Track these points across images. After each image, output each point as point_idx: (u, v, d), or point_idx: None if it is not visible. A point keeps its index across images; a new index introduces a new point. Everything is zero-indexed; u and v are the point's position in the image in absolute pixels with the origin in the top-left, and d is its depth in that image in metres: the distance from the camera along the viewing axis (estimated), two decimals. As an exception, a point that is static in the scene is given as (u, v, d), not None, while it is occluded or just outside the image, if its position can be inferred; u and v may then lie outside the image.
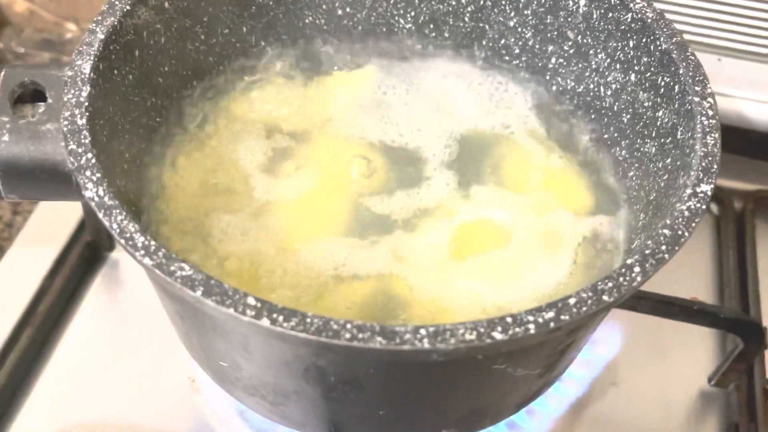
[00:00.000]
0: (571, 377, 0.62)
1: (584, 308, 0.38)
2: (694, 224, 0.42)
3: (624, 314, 0.62)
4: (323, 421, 0.48)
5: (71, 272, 0.68)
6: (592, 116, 0.58)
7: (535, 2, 0.58)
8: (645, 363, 0.66)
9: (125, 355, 0.64)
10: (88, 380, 0.63)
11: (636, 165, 0.54)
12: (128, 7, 0.50)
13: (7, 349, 0.63)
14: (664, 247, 0.41)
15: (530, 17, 0.59)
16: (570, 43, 0.58)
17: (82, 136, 0.43)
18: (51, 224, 0.71)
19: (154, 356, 0.64)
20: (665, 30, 0.51)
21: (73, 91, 0.45)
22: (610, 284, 0.39)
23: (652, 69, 0.52)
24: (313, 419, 0.48)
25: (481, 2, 0.60)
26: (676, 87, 0.50)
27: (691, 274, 0.72)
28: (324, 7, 0.61)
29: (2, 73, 0.46)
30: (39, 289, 0.67)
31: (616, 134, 0.56)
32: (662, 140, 0.50)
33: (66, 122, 0.43)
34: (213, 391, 0.62)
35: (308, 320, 0.37)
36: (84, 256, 0.69)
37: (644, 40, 0.52)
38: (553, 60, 0.59)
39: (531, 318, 0.38)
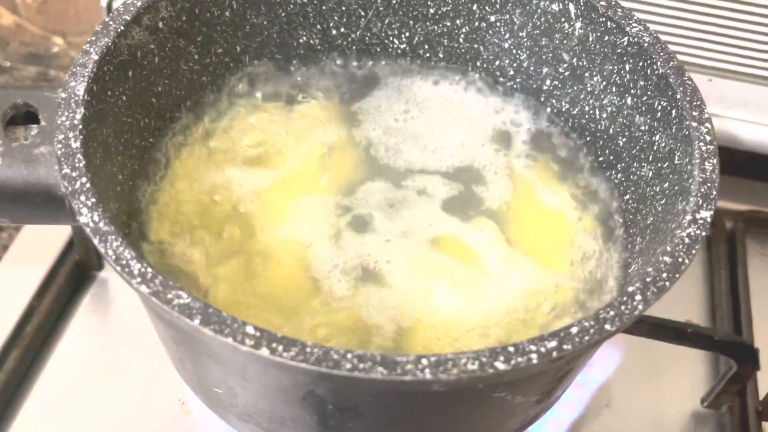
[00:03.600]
0: (566, 400, 0.62)
1: (587, 337, 0.38)
2: (694, 251, 0.42)
3: (617, 337, 0.62)
4: (319, 448, 0.47)
5: (59, 292, 0.67)
6: (588, 139, 0.58)
7: (531, 24, 0.58)
8: (638, 385, 0.66)
9: (114, 376, 0.64)
10: (76, 402, 0.62)
11: (632, 188, 0.53)
12: (122, 28, 0.49)
13: (-6, 370, 0.62)
14: (665, 275, 0.41)
15: (525, 39, 0.59)
16: (565, 66, 0.58)
17: (77, 160, 0.42)
18: (39, 243, 0.70)
19: (143, 378, 0.63)
20: (662, 54, 0.51)
21: (66, 114, 0.44)
22: (612, 313, 0.39)
23: (649, 93, 0.52)
24: (308, 447, 0.48)
25: (476, 24, 0.60)
26: (674, 111, 0.49)
27: (682, 295, 0.72)
28: (318, 27, 0.61)
29: (-6, 94, 0.46)
30: (27, 308, 0.66)
31: (611, 157, 0.56)
32: (659, 164, 0.50)
33: (60, 145, 0.43)
34: (202, 414, 0.61)
35: (308, 350, 0.36)
36: (72, 276, 0.68)
37: (641, 63, 0.52)
38: (548, 82, 0.59)
39: (533, 347, 0.37)
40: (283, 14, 0.59)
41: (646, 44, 0.52)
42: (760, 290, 0.73)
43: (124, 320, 0.67)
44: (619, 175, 0.55)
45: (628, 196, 0.54)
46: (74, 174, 0.42)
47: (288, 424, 0.46)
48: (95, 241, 0.40)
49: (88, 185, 0.41)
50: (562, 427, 0.62)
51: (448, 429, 0.46)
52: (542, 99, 0.60)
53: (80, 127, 0.44)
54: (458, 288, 0.51)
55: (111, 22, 0.49)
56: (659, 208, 0.49)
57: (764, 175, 0.80)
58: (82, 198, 0.41)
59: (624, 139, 0.54)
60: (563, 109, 0.59)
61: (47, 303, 0.66)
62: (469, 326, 0.50)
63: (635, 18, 0.53)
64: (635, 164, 0.53)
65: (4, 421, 0.61)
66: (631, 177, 0.54)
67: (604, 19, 0.54)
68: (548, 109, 0.60)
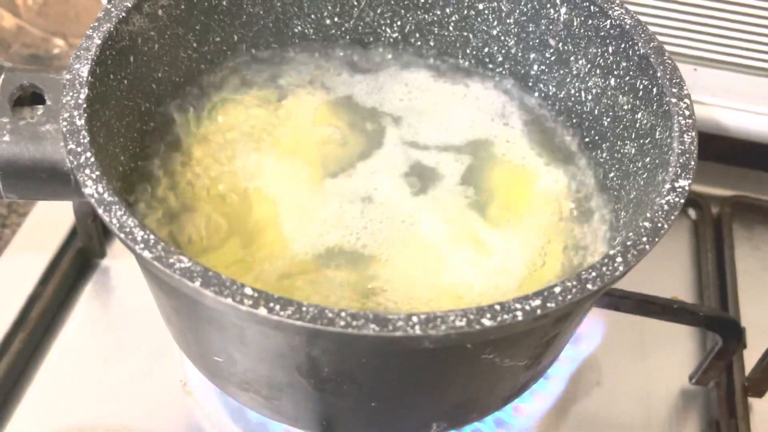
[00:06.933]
0: (557, 375, 0.64)
1: (569, 296, 0.40)
2: (673, 217, 0.44)
3: (606, 314, 0.64)
4: (316, 414, 0.49)
5: (63, 279, 0.69)
6: (574, 120, 0.60)
7: (518, 11, 0.60)
8: (627, 362, 0.67)
9: (116, 359, 0.65)
10: (79, 385, 0.63)
11: (616, 166, 0.55)
12: (123, 14, 0.51)
13: (0, 354, 0.63)
14: (645, 239, 0.43)
15: (513, 26, 0.61)
16: (551, 50, 0.59)
17: (81, 136, 0.44)
18: (43, 231, 0.72)
19: (145, 360, 0.65)
20: (643, 35, 0.53)
21: (71, 94, 0.46)
22: (593, 273, 0.41)
23: (631, 73, 0.54)
24: (306, 413, 0.49)
25: (465, 12, 0.62)
26: (654, 89, 0.51)
27: (671, 277, 0.74)
28: (313, 16, 0.63)
29: (2, 76, 0.48)
30: (31, 295, 0.67)
31: (597, 137, 0.58)
32: (641, 141, 0.52)
33: (65, 123, 0.44)
34: (204, 394, 0.63)
35: (304, 309, 0.38)
36: (75, 263, 0.70)
37: (623, 45, 0.54)
38: (536, 67, 0.61)
39: (518, 305, 0.39)
40: (278, 4, 0.61)
41: (627, 26, 0.54)
42: (746, 273, 0.75)
43: (126, 306, 0.69)
44: (605, 154, 0.57)
45: (612, 174, 0.56)
46: (79, 149, 0.43)
47: (286, 391, 0.47)
48: (100, 211, 0.41)
49: (92, 159, 0.43)
50: (553, 402, 0.64)
51: (439, 392, 0.48)
52: (530, 84, 0.62)
53: (84, 106, 0.46)
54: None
55: (113, 9, 0.51)
56: (641, 182, 0.51)
57: (749, 161, 0.82)
58: (87, 171, 0.43)
59: (608, 119, 0.56)
60: (550, 93, 0.61)
61: (51, 289, 0.68)
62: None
63: (617, 2, 0.55)
64: (619, 143, 0.55)
65: (10, 403, 0.62)
66: (616, 155, 0.56)
67: (587, 3, 0.56)
68: (536, 94, 0.62)
